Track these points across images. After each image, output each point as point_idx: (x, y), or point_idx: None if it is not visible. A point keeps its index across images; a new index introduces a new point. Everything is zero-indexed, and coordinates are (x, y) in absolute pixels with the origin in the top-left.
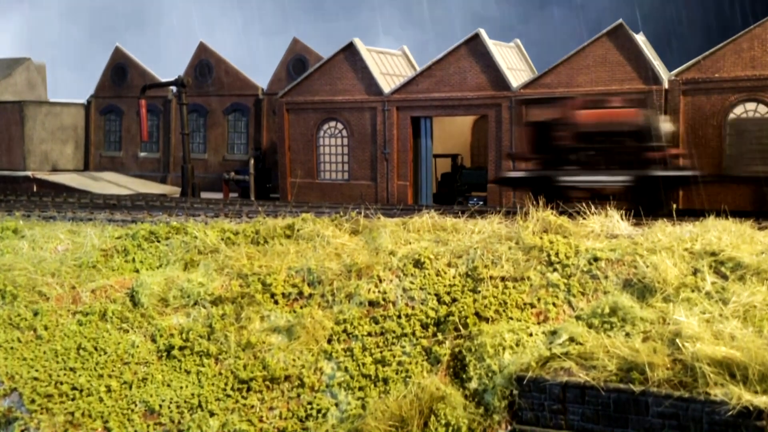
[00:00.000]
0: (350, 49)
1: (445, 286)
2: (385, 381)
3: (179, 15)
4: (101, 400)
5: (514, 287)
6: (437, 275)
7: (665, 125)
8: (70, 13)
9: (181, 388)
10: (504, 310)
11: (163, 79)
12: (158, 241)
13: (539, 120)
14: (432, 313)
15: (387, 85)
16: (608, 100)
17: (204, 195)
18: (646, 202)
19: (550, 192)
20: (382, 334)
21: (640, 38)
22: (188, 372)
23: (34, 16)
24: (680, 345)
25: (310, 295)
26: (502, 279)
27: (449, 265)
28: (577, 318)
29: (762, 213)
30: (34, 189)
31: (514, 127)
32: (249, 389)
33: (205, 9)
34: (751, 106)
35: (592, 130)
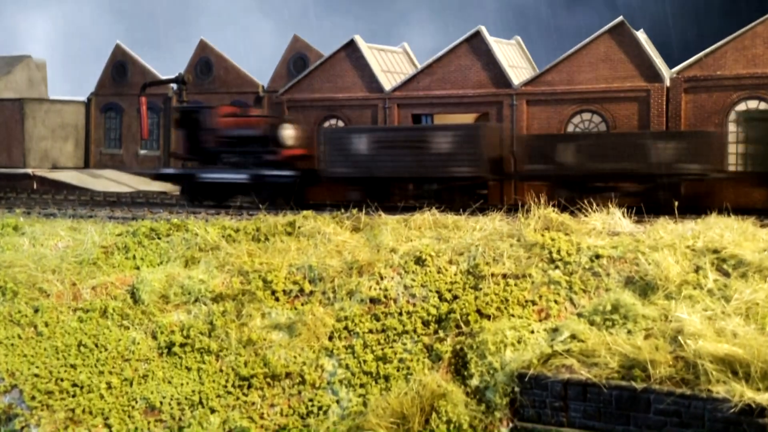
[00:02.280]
0: (351, 47)
1: (446, 283)
2: (387, 378)
3: (212, 12)
4: (102, 396)
5: (515, 284)
6: (438, 272)
7: (288, 132)
8: (108, 10)
9: (182, 385)
10: (505, 308)
11: (165, 77)
12: (159, 238)
13: (191, 125)
14: (433, 311)
15: (388, 83)
16: (247, 109)
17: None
18: (267, 198)
19: (194, 187)
20: (383, 331)
21: (642, 36)
22: (189, 369)
23: (72, 10)
24: (682, 342)
25: (311, 292)
26: (504, 276)
27: (450, 262)
28: (579, 315)
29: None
30: (35, 186)
31: (173, 130)
32: (250, 386)
33: (241, 5)
34: (752, 103)
35: (230, 135)
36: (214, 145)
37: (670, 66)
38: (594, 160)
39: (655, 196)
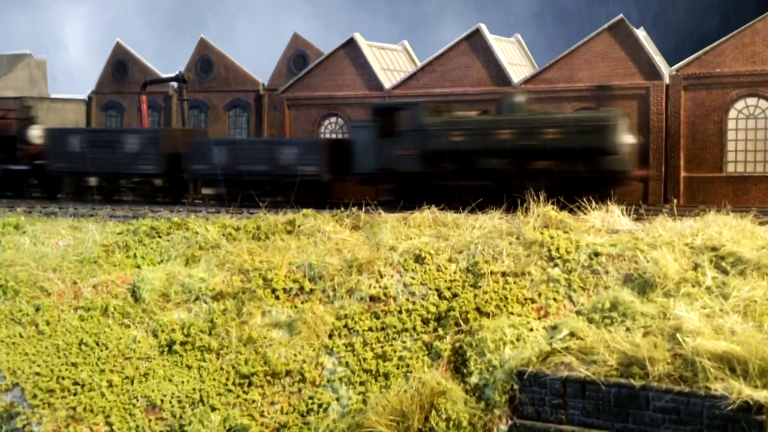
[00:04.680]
0: (351, 45)
1: (445, 281)
2: (386, 376)
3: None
4: (103, 395)
5: (514, 282)
6: (438, 270)
7: (33, 132)
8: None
9: (183, 383)
10: (505, 305)
11: (165, 75)
12: (159, 237)
13: None
14: (433, 309)
15: (388, 81)
16: (10, 112)
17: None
18: (16, 189)
19: None
20: (383, 329)
21: (641, 33)
22: (189, 367)
23: (102, 8)
24: (681, 340)
25: (311, 291)
26: (503, 274)
27: (450, 260)
28: (578, 313)
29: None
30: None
31: None
32: (250, 384)
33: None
34: (752, 101)
35: None
36: None
37: None
38: (237, 162)
39: (287, 193)
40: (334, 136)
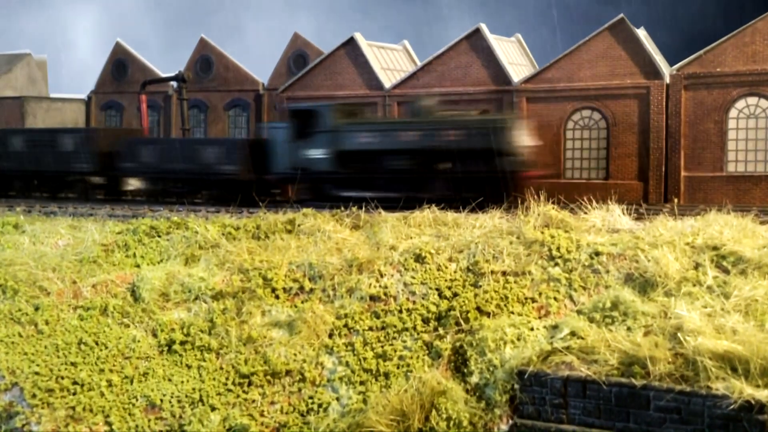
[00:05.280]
0: (351, 44)
1: (446, 280)
2: (387, 375)
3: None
4: (102, 394)
5: (515, 282)
6: (438, 270)
7: None
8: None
9: (182, 382)
10: (505, 305)
11: (167, 74)
12: (159, 236)
13: None
14: (433, 308)
15: (388, 80)
16: None
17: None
18: None
19: None
20: (383, 328)
21: (642, 33)
22: (189, 366)
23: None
24: (682, 339)
25: (311, 290)
26: (504, 273)
27: (450, 259)
28: (579, 312)
29: None
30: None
31: None
32: (250, 384)
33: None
34: (752, 100)
35: None
36: None
37: None
38: (163, 161)
39: (210, 191)
40: None
